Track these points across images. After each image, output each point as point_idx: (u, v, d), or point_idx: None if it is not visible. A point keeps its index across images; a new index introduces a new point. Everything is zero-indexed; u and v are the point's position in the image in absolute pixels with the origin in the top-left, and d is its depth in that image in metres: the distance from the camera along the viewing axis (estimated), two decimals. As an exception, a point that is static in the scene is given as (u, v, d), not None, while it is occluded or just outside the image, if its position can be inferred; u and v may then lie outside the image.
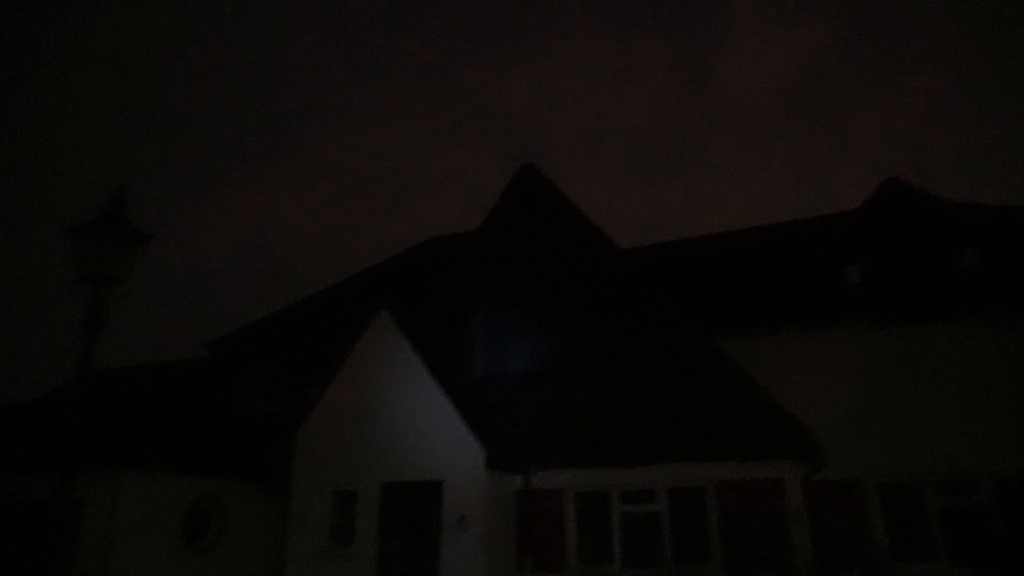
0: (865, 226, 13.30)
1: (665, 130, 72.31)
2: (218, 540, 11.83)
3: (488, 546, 10.42)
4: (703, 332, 11.54)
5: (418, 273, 16.55)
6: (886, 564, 10.43)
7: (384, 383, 11.78)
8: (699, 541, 10.32)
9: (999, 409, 10.71)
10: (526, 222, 13.52)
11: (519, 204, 13.75)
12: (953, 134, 61.56)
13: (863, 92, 63.14)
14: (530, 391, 11.96)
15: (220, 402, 13.84)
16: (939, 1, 60.91)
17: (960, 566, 10.29)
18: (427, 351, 11.83)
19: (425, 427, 11.24)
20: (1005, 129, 58.11)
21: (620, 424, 11.13)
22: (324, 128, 72.19)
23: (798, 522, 9.79)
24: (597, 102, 70.67)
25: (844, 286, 12.49)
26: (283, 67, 68.76)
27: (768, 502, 10.01)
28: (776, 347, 11.99)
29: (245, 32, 65.79)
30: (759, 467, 10.16)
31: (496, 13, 71.89)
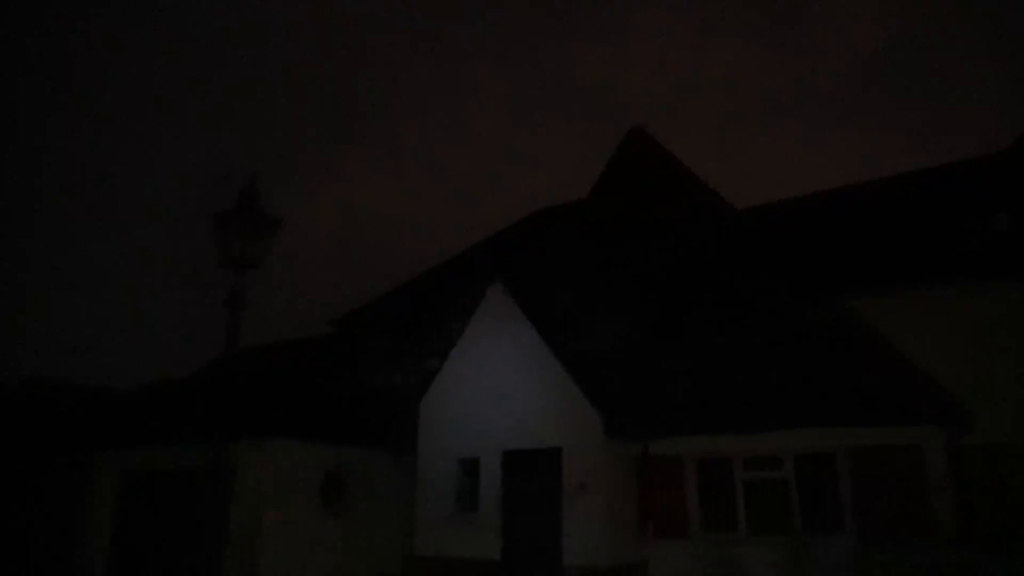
0: (1017, 168, 12.10)
1: (748, 95, 68.60)
2: (353, 504, 12.56)
3: (609, 512, 10.50)
4: (832, 293, 10.99)
5: (529, 244, 16.67)
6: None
7: (501, 353, 12.02)
8: (829, 509, 9.94)
9: None
10: (637, 186, 13.28)
11: (629, 168, 13.53)
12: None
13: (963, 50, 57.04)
14: (649, 358, 11.86)
15: (348, 376, 14.62)
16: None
17: None
18: (542, 321, 11.94)
19: (542, 396, 11.40)
20: None
21: (743, 390, 10.85)
22: (407, 113, 73.56)
23: (940, 491, 9.22)
24: (679, 70, 67.98)
25: (990, 236, 11.49)
26: (364, 57, 70.43)
27: (906, 470, 9.47)
28: (913, 306, 11.24)
29: (326, 25, 67.73)
30: (896, 433, 9.62)
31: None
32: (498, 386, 11.91)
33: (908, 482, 9.41)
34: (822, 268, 12.24)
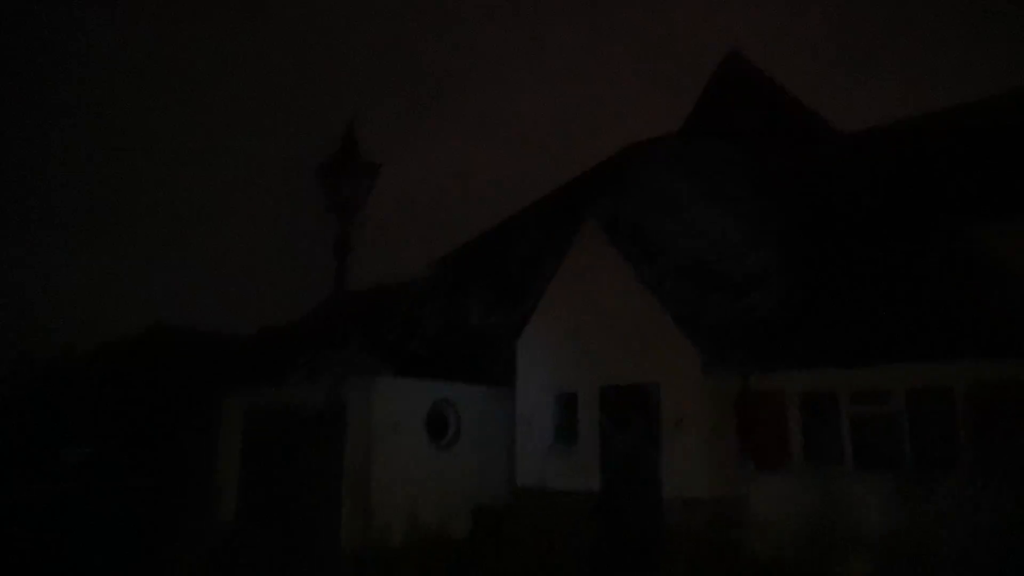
0: None
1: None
2: (456, 438, 13.14)
3: (708, 446, 10.52)
4: (952, 218, 10.30)
5: (622, 179, 16.39)
6: None
7: (596, 290, 12.06)
8: (943, 445, 9.54)
9: None
10: (734, 113, 12.75)
11: (724, 95, 12.97)
12: None
13: None
14: (748, 290, 11.59)
15: (447, 315, 15.10)
16: None
17: None
18: (636, 256, 11.84)
19: (638, 332, 11.40)
20: None
21: (850, 321, 10.45)
22: (493, 76, 72.60)
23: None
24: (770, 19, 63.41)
25: None
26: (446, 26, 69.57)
27: (1031, 403, 8.93)
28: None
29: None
30: (1019, 366, 9.05)
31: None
32: (593, 323, 11.99)
33: (1033, 417, 8.89)
34: (940, 193, 11.45)
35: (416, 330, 13.31)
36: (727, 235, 12.33)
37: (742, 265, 11.99)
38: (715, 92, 12.92)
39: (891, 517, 9.59)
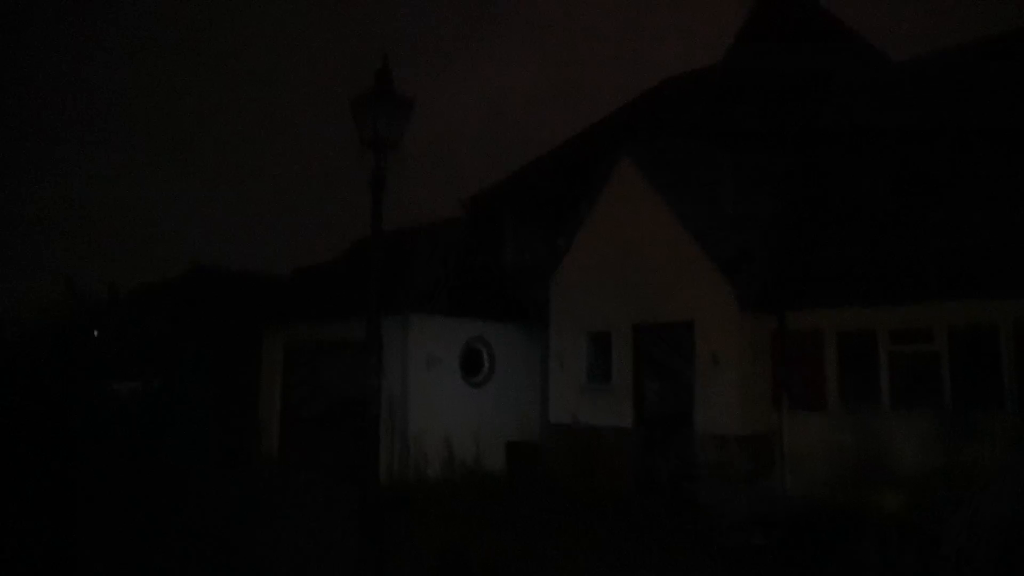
0: None
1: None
2: (490, 375, 13.32)
3: (742, 384, 10.51)
4: (999, 151, 9.89)
5: (658, 115, 15.99)
6: None
7: (630, 228, 11.92)
8: (987, 384, 9.39)
9: None
10: (778, 42, 12.22)
11: (769, 23, 12.43)
12: None
13: None
14: (786, 228, 11.35)
15: (480, 255, 15.10)
16: None
17: None
18: (672, 193, 11.63)
19: (674, 269, 11.29)
20: None
21: (888, 259, 10.21)
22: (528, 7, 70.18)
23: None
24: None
25: None
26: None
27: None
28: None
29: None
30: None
31: None
32: (628, 261, 11.90)
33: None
34: (988, 126, 10.94)
35: (451, 269, 13.36)
36: (766, 171, 12.01)
37: (781, 202, 11.72)
38: (758, 21, 12.38)
39: (928, 457, 9.55)
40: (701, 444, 10.67)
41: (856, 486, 9.73)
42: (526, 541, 7.34)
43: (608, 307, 12.07)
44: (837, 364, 10.69)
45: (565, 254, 12.83)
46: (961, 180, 10.02)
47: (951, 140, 10.20)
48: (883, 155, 10.85)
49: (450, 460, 12.26)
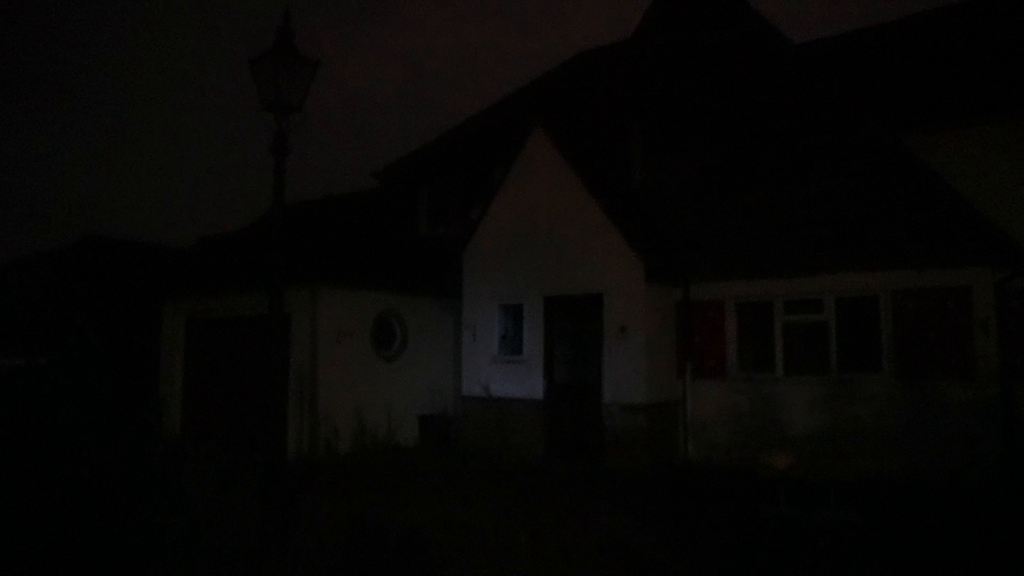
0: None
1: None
2: (402, 348, 13.22)
3: (649, 355, 10.85)
4: (884, 128, 10.53)
5: (572, 89, 16.12)
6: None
7: (543, 200, 12.02)
8: (868, 350, 10.09)
9: None
10: (684, 22, 12.53)
11: (676, 3, 12.70)
12: None
13: None
14: (691, 201, 11.74)
15: (393, 226, 14.90)
16: None
17: None
18: (584, 167, 11.79)
19: (585, 242, 11.49)
20: None
21: (784, 232, 10.75)
22: None
23: (984, 331, 9.24)
24: None
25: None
26: None
27: (951, 311, 9.47)
28: (973, 141, 10.74)
29: None
30: (943, 274, 9.53)
31: None
32: (540, 233, 12.01)
33: (952, 324, 9.44)
34: (879, 102, 11.63)
35: (362, 241, 13.09)
36: (673, 146, 12.35)
37: (685, 176, 12.09)
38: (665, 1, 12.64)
39: (816, 419, 10.20)
40: (609, 413, 10.98)
41: (751, 448, 10.31)
42: (440, 510, 7.37)
43: (520, 278, 12.17)
44: (737, 333, 11.22)
45: (478, 225, 12.81)
46: (847, 154, 10.62)
47: (837, 116, 10.78)
48: (777, 131, 11.36)
49: (362, 434, 12.13)
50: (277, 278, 6.40)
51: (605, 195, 11.53)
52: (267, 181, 6.50)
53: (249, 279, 12.35)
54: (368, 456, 11.35)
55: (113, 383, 13.98)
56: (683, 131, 12.15)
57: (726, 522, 7.10)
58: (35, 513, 6.05)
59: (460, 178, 15.33)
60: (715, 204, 11.64)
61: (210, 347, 13.85)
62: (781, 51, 11.70)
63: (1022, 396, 9.41)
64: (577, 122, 13.21)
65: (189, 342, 14.26)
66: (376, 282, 12.76)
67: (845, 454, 9.71)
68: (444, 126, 18.17)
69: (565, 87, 16.77)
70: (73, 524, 5.82)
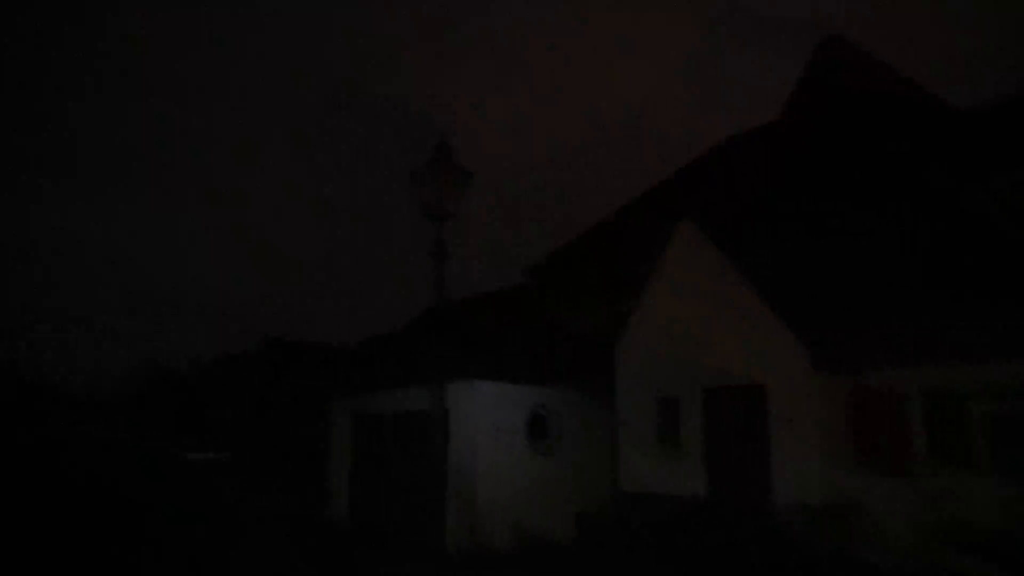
0: None
1: None
2: (557, 442, 13.11)
3: (819, 449, 10.02)
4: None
5: (718, 175, 15.95)
6: None
7: (696, 291, 11.76)
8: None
9: None
10: (835, 99, 12.13)
11: (824, 81, 12.38)
12: None
13: None
14: (857, 283, 10.98)
15: (544, 320, 15.14)
16: None
17: None
18: (736, 255, 11.47)
19: (742, 332, 11.03)
20: None
21: (982, 311, 9.67)
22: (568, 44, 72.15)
23: None
24: None
25: None
26: None
27: None
28: None
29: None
30: None
31: None
32: (695, 324, 11.69)
33: None
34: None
35: (515, 335, 13.41)
36: (835, 228, 11.73)
37: (851, 257, 11.37)
38: (816, 76, 12.33)
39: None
40: (779, 513, 10.14)
41: (940, 554, 9.04)
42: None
43: (676, 371, 11.82)
44: (923, 425, 10.09)
45: (630, 318, 12.71)
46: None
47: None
48: (964, 203, 10.48)
49: (518, 529, 12.01)
50: (439, 376, 6.65)
51: (761, 282, 11.08)
52: (423, 281, 6.88)
53: (409, 376, 12.94)
54: (526, 553, 11.17)
55: (288, 476, 14.92)
56: (842, 211, 11.55)
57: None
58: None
59: (609, 271, 15.39)
60: (890, 286, 10.79)
61: (374, 440, 14.50)
62: (956, 121, 10.96)
63: None
64: (728, 209, 12.97)
65: (356, 435, 15.03)
66: (530, 376, 12.92)
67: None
68: (591, 220, 18.48)
69: (712, 174, 16.61)
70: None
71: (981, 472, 9.42)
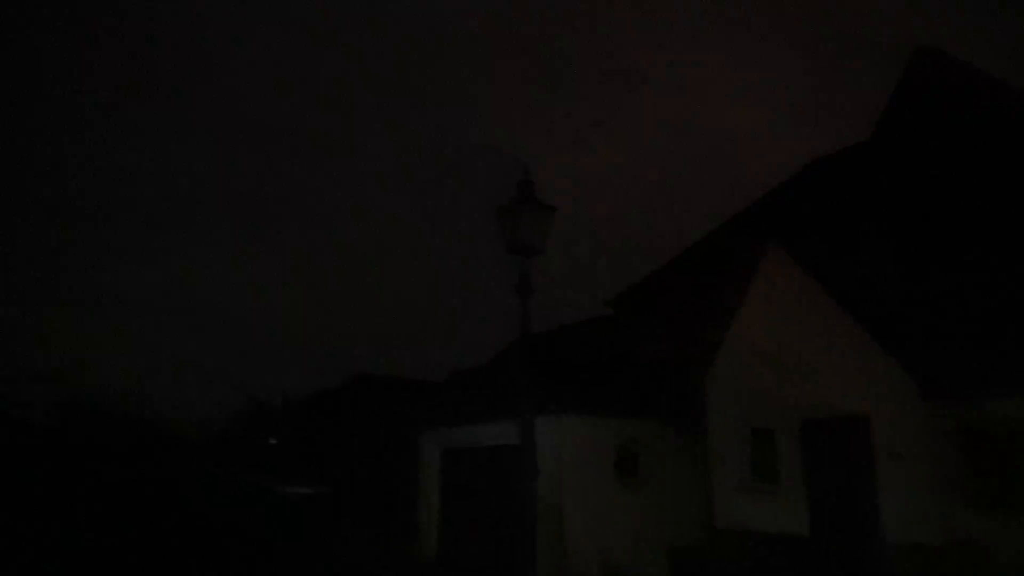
0: None
1: None
2: (646, 476, 12.80)
3: (930, 485, 9.39)
4: None
5: (807, 198, 15.43)
6: None
7: (787, 319, 11.37)
8: None
9: None
10: (931, 116, 11.59)
11: (919, 94, 11.85)
12: None
13: None
14: (966, 306, 10.32)
15: (629, 352, 14.93)
16: None
17: None
18: (831, 281, 11.02)
19: (842, 360, 10.55)
20: None
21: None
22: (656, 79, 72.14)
23: None
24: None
25: None
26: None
27: None
28: None
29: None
30: None
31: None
32: (788, 353, 11.27)
33: None
34: None
35: (600, 367, 13.27)
36: (937, 248, 11.11)
37: (957, 278, 10.72)
38: (906, 93, 11.81)
39: None
40: (888, 553, 9.52)
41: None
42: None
43: (770, 403, 11.39)
44: (1050, 459, 9.31)
45: (718, 349, 12.37)
46: None
47: None
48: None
49: (608, 564, 11.74)
50: (526, 411, 6.65)
51: (859, 309, 10.59)
52: (508, 315, 6.93)
53: (496, 410, 12.97)
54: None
55: (378, 511, 15.16)
56: (942, 230, 10.94)
57: None
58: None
59: (695, 299, 15.07)
60: (999, 304, 10.10)
61: (463, 475, 14.55)
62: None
63: None
64: (819, 233, 12.51)
65: (444, 470, 15.13)
66: (617, 409, 12.74)
67: None
68: (674, 245, 18.23)
69: (801, 197, 16.09)
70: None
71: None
